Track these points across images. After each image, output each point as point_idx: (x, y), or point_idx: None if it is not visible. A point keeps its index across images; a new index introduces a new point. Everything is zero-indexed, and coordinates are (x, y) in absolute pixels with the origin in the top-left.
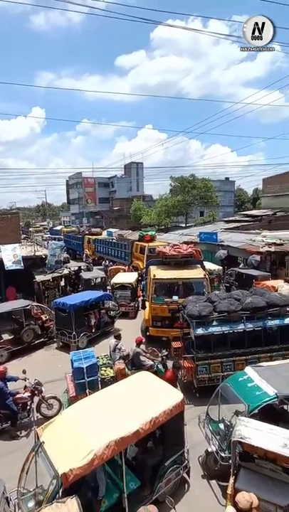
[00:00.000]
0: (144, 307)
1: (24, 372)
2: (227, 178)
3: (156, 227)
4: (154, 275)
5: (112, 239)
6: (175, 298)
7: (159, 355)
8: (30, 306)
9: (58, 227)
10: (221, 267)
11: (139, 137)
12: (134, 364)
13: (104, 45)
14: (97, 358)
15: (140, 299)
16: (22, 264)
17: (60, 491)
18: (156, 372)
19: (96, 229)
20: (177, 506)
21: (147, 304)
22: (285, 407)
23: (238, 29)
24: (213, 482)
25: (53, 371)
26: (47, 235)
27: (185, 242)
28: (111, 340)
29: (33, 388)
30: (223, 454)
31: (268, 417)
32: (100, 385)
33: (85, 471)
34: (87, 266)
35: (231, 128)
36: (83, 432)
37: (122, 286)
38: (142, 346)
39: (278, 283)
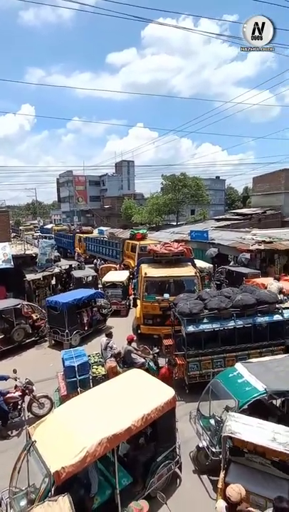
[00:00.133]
0: (135, 305)
1: (15, 371)
2: (218, 177)
3: (148, 225)
4: (145, 273)
5: (104, 237)
6: (166, 296)
7: (151, 352)
8: (20, 305)
9: (49, 226)
10: (211, 265)
11: (131, 135)
12: (126, 362)
13: (95, 42)
14: (89, 356)
15: (131, 297)
16: (12, 263)
17: (53, 489)
18: (148, 370)
19: (87, 227)
20: (169, 501)
21: (138, 302)
22: (274, 401)
23: (228, 28)
24: (204, 477)
25: (44, 370)
26: (37, 234)
27: (176, 241)
28: (102, 339)
29: (24, 387)
30: (213, 449)
31: (257, 412)
32: (91, 383)
33: (77, 468)
34: (78, 264)
35: (222, 127)
36: (75, 430)
37: (114, 285)
38: (134, 344)
39: (268, 280)
